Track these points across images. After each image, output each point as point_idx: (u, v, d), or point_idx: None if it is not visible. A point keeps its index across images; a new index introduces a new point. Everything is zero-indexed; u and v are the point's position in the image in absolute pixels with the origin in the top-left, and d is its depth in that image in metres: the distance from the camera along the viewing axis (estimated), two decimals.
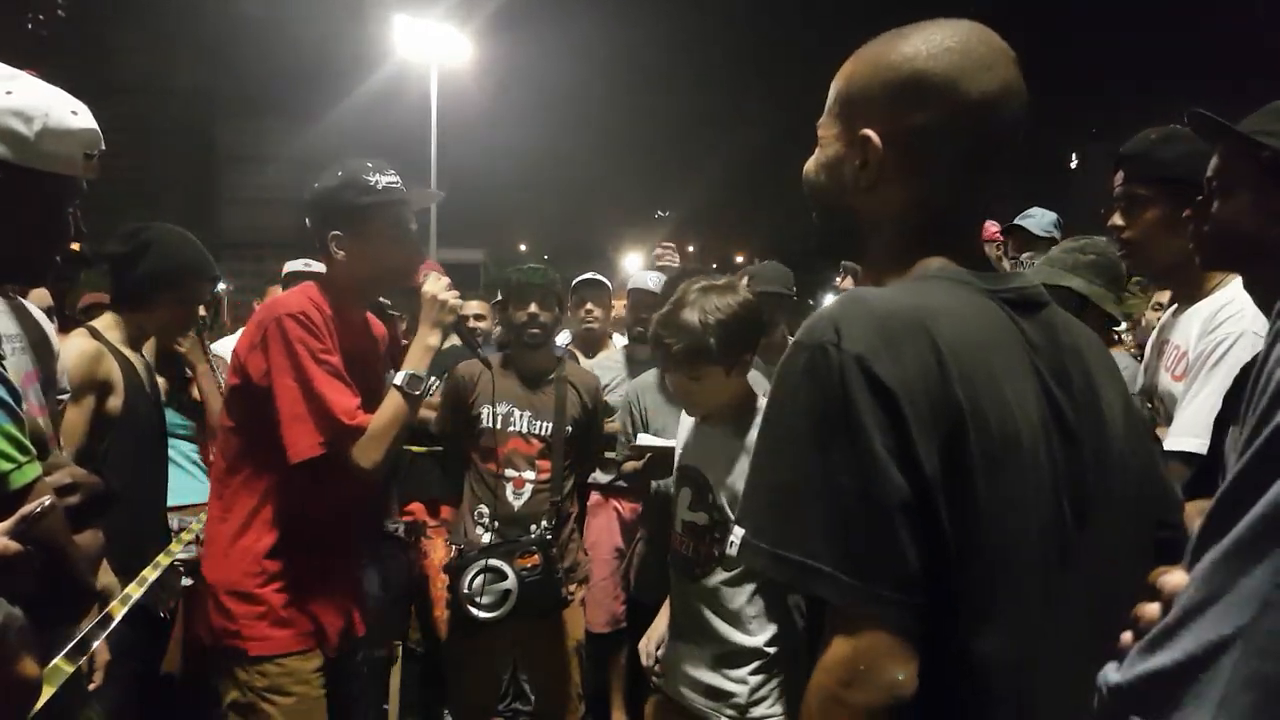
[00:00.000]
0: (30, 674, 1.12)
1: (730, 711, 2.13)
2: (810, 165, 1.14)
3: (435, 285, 2.25)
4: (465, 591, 2.75)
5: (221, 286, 2.98)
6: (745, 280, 3.90)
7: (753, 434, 2.18)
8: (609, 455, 3.31)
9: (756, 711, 2.12)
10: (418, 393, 2.17)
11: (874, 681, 0.88)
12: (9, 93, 1.43)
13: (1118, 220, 2.05)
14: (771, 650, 2.13)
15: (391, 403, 2.15)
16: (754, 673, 2.12)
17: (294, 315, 2.06)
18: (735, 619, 2.14)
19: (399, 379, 2.17)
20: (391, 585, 3.42)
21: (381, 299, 2.49)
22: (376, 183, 2.17)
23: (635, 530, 3.52)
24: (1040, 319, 1.05)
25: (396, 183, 2.20)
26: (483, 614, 2.75)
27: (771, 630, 2.14)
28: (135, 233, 2.60)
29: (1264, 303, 1.57)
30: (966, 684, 0.92)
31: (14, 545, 1.16)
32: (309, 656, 2.12)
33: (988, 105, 1.01)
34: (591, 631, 3.38)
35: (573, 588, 3.03)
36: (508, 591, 2.75)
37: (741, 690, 2.12)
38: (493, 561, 2.77)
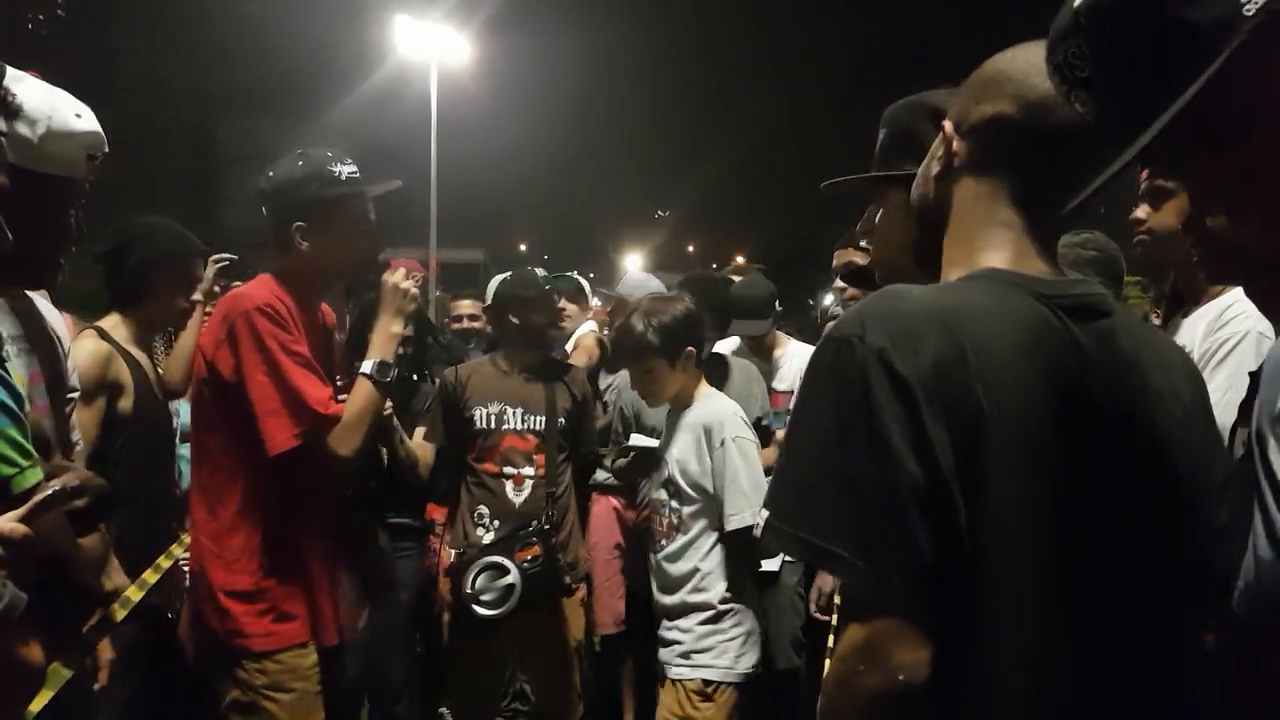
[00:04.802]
0: (34, 659, 1.12)
1: (677, 658, 2.48)
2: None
3: (396, 275, 2.27)
4: (468, 592, 2.75)
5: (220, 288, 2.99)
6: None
7: (695, 412, 2.61)
8: (602, 453, 3.37)
9: (699, 659, 2.45)
10: (387, 379, 2.19)
11: (884, 665, 0.90)
12: (13, 95, 1.44)
13: (1140, 214, 2.08)
14: (722, 606, 2.48)
15: (363, 391, 2.16)
16: (702, 623, 2.47)
17: (261, 309, 2.05)
18: (689, 577, 2.50)
19: (367, 367, 2.17)
20: (409, 580, 3.43)
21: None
22: (340, 174, 2.18)
23: (635, 528, 3.54)
24: (1098, 327, 1.04)
25: (356, 173, 2.21)
26: (488, 611, 2.76)
27: (720, 588, 2.49)
28: (116, 231, 2.64)
29: (1270, 311, 1.57)
30: (977, 679, 0.93)
31: (22, 528, 1.15)
32: (307, 651, 2.13)
33: (1051, 103, 1.03)
34: (599, 631, 3.40)
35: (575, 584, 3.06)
36: (511, 586, 2.76)
37: (686, 639, 2.47)
38: (493, 558, 2.78)
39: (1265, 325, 1.72)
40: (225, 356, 2.07)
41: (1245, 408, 1.52)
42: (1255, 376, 1.53)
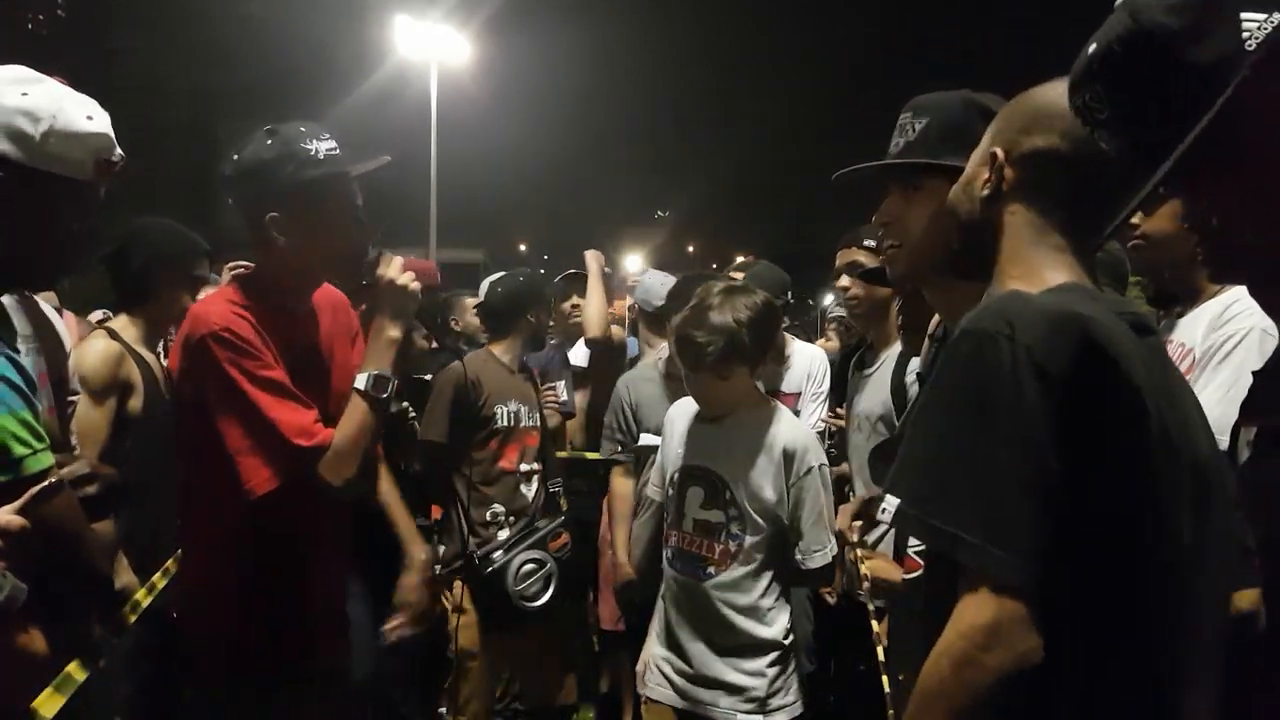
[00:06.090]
0: (37, 648, 1.13)
1: (747, 705, 2.17)
2: (953, 190, 1.30)
3: (392, 269, 1.94)
4: (516, 589, 2.78)
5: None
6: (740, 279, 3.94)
7: (771, 431, 2.23)
8: (593, 455, 3.43)
9: (775, 701, 2.19)
10: (384, 395, 1.89)
11: (1012, 647, 0.95)
12: (25, 94, 1.45)
13: (1134, 219, 2.07)
14: (786, 641, 2.22)
15: (356, 411, 1.87)
16: (772, 664, 2.20)
17: (218, 335, 1.78)
18: (750, 612, 2.21)
19: (361, 382, 1.88)
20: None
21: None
22: (317, 152, 1.84)
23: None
24: (1150, 342, 1.13)
25: (336, 150, 1.87)
26: (535, 604, 2.81)
27: (784, 620, 2.23)
28: (119, 233, 2.65)
29: (1273, 310, 1.57)
30: (1084, 661, 0.99)
31: (18, 520, 1.16)
32: (290, 684, 1.92)
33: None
34: (602, 628, 3.42)
35: None
36: (550, 576, 2.84)
37: (759, 683, 2.18)
38: (533, 553, 2.83)
39: (1268, 323, 1.73)
40: (188, 388, 1.85)
41: (1247, 406, 1.53)
42: (1257, 375, 1.54)
